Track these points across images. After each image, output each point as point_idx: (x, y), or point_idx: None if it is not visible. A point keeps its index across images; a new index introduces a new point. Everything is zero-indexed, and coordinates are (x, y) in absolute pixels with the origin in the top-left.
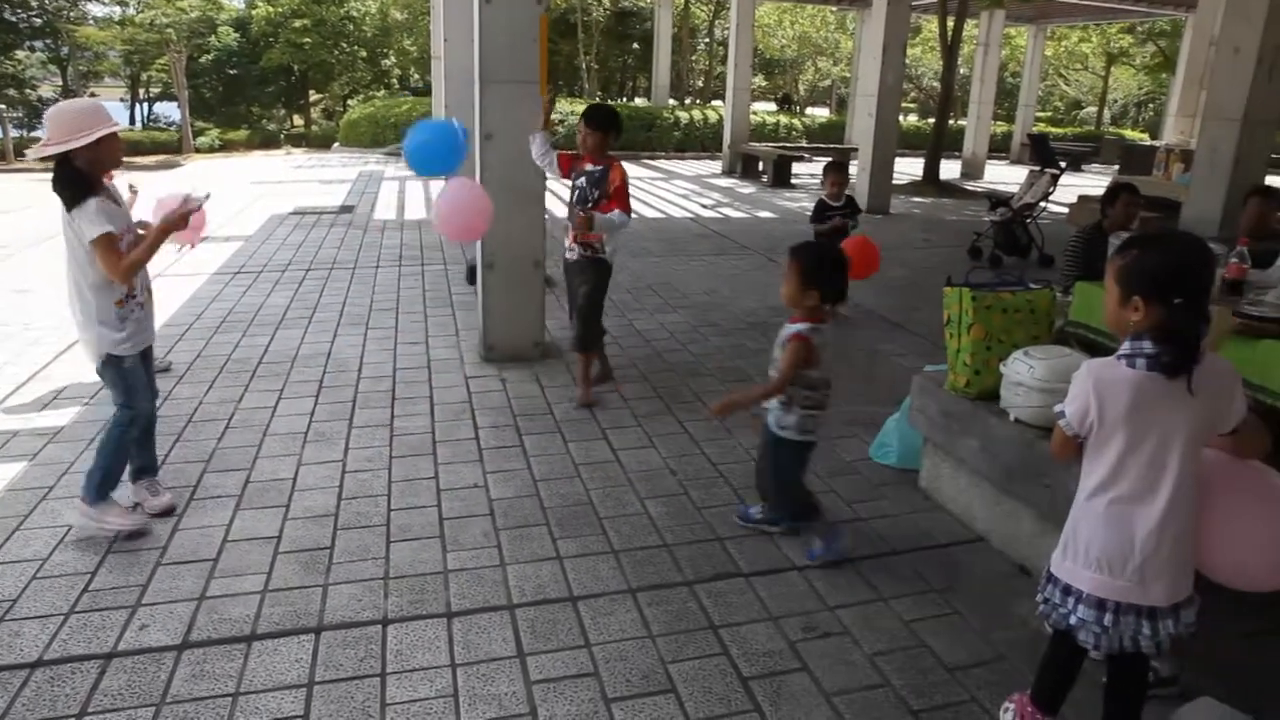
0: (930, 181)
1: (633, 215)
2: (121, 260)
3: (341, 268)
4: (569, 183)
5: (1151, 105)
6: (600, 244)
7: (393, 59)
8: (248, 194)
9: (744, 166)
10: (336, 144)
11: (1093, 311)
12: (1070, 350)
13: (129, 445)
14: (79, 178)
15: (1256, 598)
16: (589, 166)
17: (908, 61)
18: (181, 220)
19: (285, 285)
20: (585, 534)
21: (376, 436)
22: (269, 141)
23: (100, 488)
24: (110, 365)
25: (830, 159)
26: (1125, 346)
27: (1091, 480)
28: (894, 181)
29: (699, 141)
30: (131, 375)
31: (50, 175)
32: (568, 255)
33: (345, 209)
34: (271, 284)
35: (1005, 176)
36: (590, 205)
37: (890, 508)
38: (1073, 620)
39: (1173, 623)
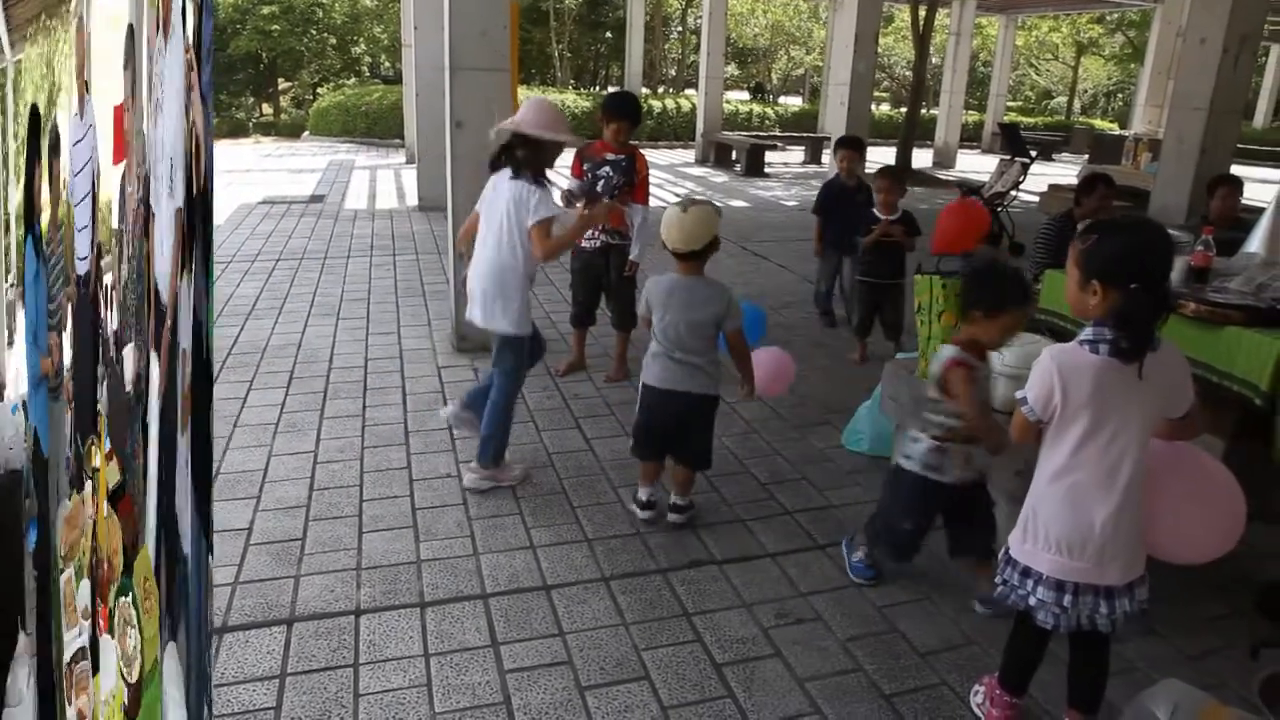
0: (902, 170)
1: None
2: (548, 242)
3: (312, 258)
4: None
5: (1121, 95)
6: (627, 230)
7: (363, 46)
8: (216, 183)
9: (717, 155)
10: (306, 133)
11: (1062, 299)
12: (1040, 337)
13: (513, 408)
14: (533, 164)
15: (1219, 583)
16: (610, 156)
17: (880, 51)
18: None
19: (255, 275)
20: (558, 523)
21: (348, 427)
22: (237, 130)
23: (496, 455)
24: (517, 340)
25: (885, 165)
26: (1087, 332)
27: (1051, 464)
28: (866, 170)
29: (672, 130)
30: (525, 349)
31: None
32: (588, 243)
33: (315, 198)
34: (241, 274)
35: (977, 165)
36: (616, 194)
37: (862, 494)
38: (1032, 601)
39: (1128, 601)
